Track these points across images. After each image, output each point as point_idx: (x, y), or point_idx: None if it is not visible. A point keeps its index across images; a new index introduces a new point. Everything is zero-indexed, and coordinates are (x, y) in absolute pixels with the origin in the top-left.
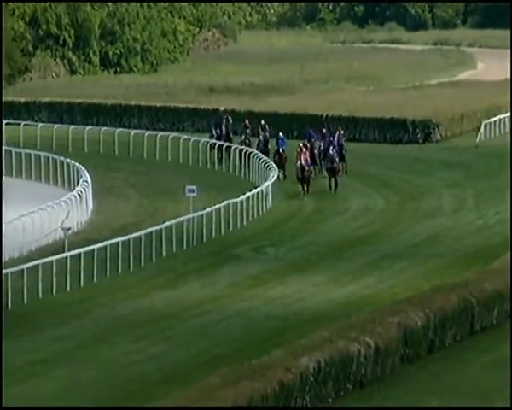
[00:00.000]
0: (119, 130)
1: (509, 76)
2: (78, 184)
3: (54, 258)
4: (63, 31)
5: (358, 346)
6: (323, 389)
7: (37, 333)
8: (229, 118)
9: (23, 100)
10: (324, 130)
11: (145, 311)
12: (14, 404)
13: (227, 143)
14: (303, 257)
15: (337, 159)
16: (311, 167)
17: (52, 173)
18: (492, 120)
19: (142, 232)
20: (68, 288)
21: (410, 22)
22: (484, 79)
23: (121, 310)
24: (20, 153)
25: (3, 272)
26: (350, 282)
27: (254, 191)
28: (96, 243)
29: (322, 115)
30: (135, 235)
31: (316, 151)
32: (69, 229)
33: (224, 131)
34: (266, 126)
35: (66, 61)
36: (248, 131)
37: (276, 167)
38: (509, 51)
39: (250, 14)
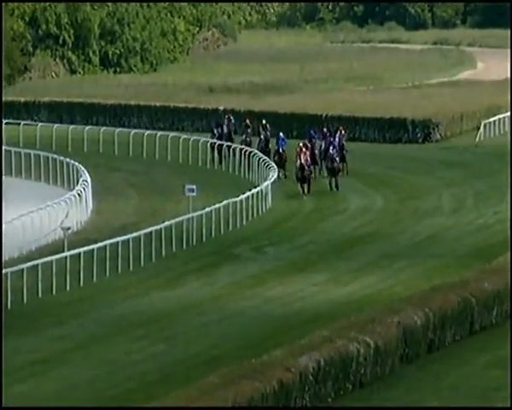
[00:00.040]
0: (118, 129)
1: (508, 76)
2: (77, 183)
3: (53, 258)
4: (63, 30)
5: (358, 346)
6: (323, 389)
7: (37, 333)
8: (231, 117)
9: (23, 100)
10: (325, 129)
11: (145, 310)
12: (14, 404)
13: (228, 143)
14: (303, 257)
15: (337, 159)
16: (311, 167)
17: (52, 173)
18: (492, 119)
19: (142, 232)
20: (68, 288)
21: (409, 22)
22: (484, 79)
23: (121, 310)
24: (20, 153)
25: (3, 271)
26: (350, 281)
27: (254, 191)
28: (96, 242)
29: (321, 115)
30: (134, 234)
31: (316, 151)
32: (69, 229)
33: (225, 131)
34: (267, 126)
35: (65, 60)
36: (249, 130)
37: (275, 167)
38: (508, 51)
39: (250, 14)
